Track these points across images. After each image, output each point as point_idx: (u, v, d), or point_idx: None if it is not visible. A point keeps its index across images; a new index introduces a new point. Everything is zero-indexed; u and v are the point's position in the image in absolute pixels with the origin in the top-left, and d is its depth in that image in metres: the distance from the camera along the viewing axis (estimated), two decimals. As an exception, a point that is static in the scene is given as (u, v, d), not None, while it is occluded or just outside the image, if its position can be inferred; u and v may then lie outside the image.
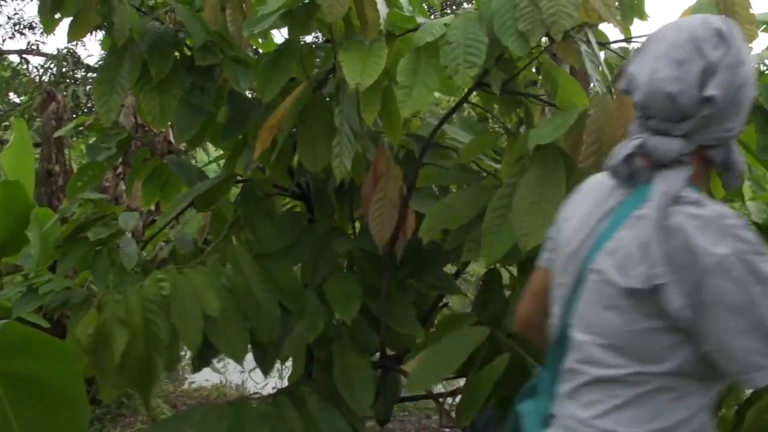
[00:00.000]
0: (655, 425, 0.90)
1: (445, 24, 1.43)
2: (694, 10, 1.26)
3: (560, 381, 0.98)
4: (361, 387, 1.66)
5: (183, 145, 2.57)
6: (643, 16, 1.80)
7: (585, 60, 1.35)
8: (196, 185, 1.99)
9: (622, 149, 0.92)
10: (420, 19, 1.60)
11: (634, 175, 0.91)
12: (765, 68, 1.39)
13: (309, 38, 2.14)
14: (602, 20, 1.37)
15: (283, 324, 1.84)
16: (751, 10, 1.26)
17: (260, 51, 2.11)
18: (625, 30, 1.93)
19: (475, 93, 1.63)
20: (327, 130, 1.62)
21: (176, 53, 1.84)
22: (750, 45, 1.24)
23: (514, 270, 1.71)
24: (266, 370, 1.89)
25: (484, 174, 1.68)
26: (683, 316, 0.85)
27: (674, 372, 0.89)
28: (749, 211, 2.23)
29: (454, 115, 1.73)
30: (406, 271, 1.80)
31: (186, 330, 1.68)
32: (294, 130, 1.75)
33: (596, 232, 0.93)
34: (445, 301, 2.14)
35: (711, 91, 0.86)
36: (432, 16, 1.91)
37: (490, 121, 1.92)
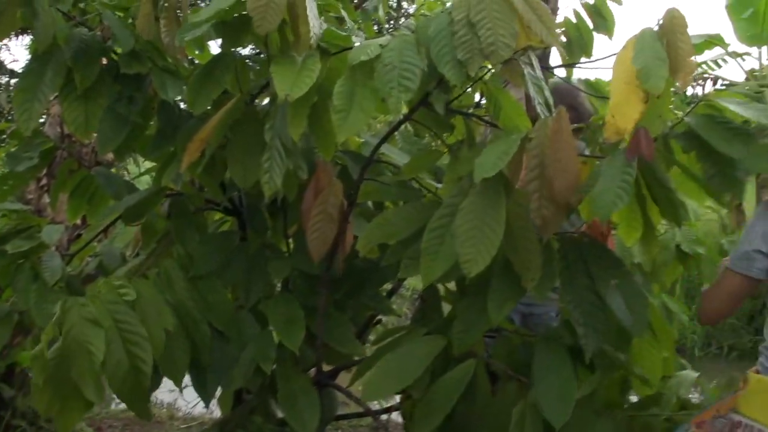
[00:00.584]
0: None
1: (380, 45, 1.41)
2: (637, 43, 1.27)
3: None
4: (307, 409, 1.62)
5: (110, 157, 2.49)
6: (589, 54, 1.84)
7: (528, 83, 1.35)
8: (124, 198, 1.91)
9: None
10: (356, 39, 1.58)
11: None
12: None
13: (247, 51, 2.09)
14: (544, 44, 1.38)
15: (219, 348, 1.78)
16: (691, 43, 1.28)
17: (197, 62, 2.06)
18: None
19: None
20: (258, 145, 1.58)
21: (104, 61, 1.77)
22: (689, 78, 1.27)
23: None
24: (208, 398, 1.79)
25: (425, 192, 1.67)
26: None
27: None
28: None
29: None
30: (343, 290, 1.77)
31: (153, 339, 1.59)
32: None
33: None
34: (378, 317, 2.11)
35: None
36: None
37: (428, 137, 1.91)
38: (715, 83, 6.48)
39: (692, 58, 1.24)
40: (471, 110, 1.68)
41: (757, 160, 1.21)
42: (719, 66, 7.33)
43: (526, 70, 1.34)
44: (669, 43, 1.22)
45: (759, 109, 1.23)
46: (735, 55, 7.40)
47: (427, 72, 1.38)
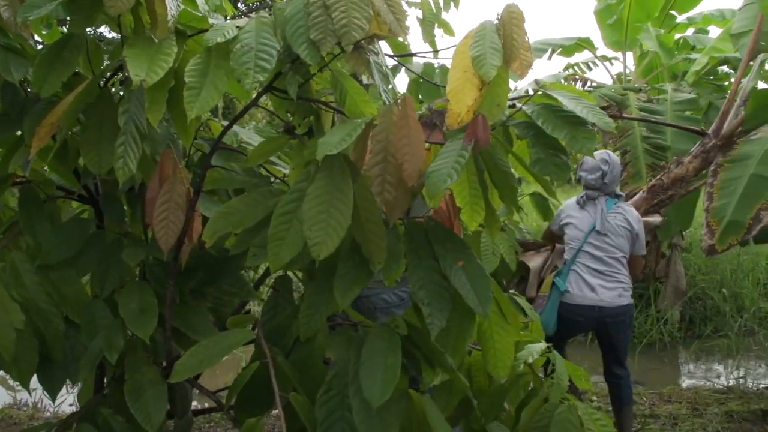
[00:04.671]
0: None
1: (238, 26, 1.41)
2: (477, 33, 1.32)
3: None
4: (154, 403, 1.57)
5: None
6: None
7: (374, 71, 1.38)
8: (-38, 186, 1.79)
9: None
10: (213, 20, 1.56)
11: None
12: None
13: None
14: (392, 34, 1.41)
15: (70, 340, 1.72)
16: (526, 38, 1.35)
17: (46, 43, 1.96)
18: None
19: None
20: (113, 130, 1.53)
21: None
22: (528, 70, 1.34)
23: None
24: (54, 393, 1.75)
25: (274, 179, 1.66)
26: None
27: None
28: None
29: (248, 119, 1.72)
30: (198, 277, 1.75)
31: (2, 340, 1.53)
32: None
33: None
34: (248, 307, 2.10)
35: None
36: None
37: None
38: (584, 84, 6.82)
39: (528, 51, 1.30)
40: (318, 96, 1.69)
41: (580, 143, 1.28)
42: (590, 69, 7.67)
43: (372, 57, 1.36)
44: (505, 35, 1.28)
45: (583, 104, 1.31)
46: (604, 59, 7.78)
47: (281, 53, 1.39)
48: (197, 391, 1.83)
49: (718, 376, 5.87)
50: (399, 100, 1.25)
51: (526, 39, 1.31)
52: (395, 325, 1.39)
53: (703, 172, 4.05)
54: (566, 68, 7.08)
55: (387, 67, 1.43)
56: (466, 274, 1.36)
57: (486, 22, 1.33)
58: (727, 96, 4.20)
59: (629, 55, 7.07)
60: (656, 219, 4.30)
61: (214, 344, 1.50)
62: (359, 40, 1.36)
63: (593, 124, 1.31)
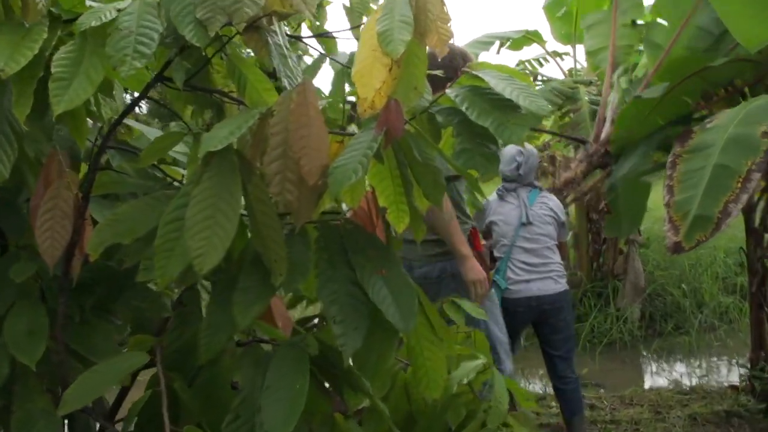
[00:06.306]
0: None
1: (117, 9, 1.23)
2: (385, 6, 1.16)
3: None
4: (45, 435, 1.40)
5: None
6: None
7: (273, 53, 1.21)
8: None
9: None
10: (94, 4, 1.37)
11: None
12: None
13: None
14: (295, 11, 1.24)
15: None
16: (444, 9, 1.18)
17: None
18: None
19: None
20: (0, 131, 1.35)
21: None
22: (447, 46, 1.18)
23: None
24: None
25: (174, 181, 1.48)
26: None
27: None
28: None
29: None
30: (99, 293, 1.56)
31: None
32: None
33: None
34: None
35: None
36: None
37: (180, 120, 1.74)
38: (534, 79, 6.79)
39: (447, 23, 1.14)
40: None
41: (510, 130, 1.12)
42: (541, 65, 7.61)
43: (271, 39, 1.19)
44: (418, 6, 1.11)
45: (514, 85, 1.15)
46: (555, 54, 7.74)
47: (169, 39, 1.22)
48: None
49: (681, 376, 5.78)
50: (298, 86, 1.08)
51: (445, 10, 1.14)
52: (306, 343, 1.22)
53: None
54: (518, 65, 6.99)
55: (288, 48, 1.26)
56: (388, 286, 1.18)
57: (398, -6, 1.16)
58: (600, 105, 4.72)
59: (579, 48, 6.99)
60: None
61: (107, 369, 1.32)
62: (257, 18, 1.20)
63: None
